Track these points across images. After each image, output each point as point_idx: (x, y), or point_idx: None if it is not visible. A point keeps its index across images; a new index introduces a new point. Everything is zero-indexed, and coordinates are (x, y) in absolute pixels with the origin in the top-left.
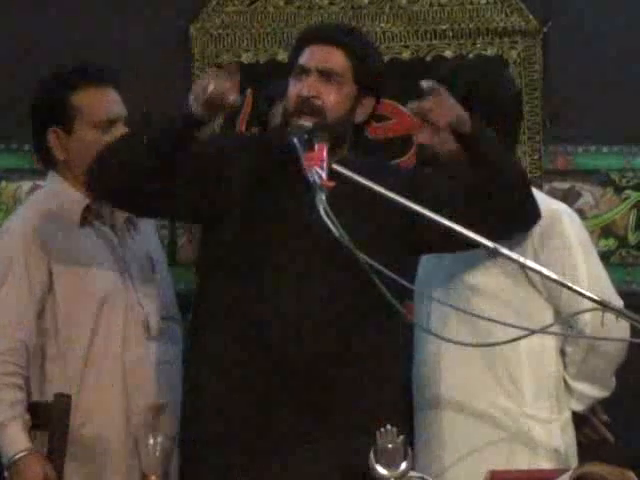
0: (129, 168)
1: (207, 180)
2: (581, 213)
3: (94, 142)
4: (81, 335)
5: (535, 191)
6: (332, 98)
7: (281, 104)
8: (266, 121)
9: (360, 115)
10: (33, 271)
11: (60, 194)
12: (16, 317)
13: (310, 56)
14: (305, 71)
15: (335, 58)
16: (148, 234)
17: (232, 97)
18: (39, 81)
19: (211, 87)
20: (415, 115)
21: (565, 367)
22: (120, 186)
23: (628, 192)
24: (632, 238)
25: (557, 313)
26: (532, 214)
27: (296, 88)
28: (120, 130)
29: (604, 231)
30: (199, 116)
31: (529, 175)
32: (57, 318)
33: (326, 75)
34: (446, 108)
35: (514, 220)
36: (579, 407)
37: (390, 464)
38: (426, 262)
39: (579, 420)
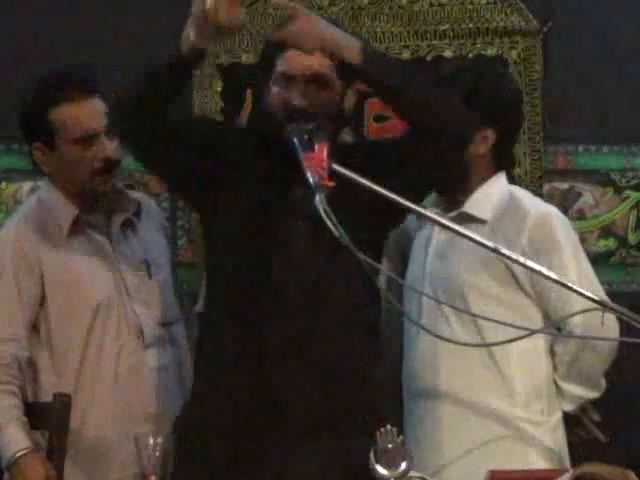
0: (133, 105)
1: (207, 154)
2: (581, 213)
3: (75, 158)
4: (74, 346)
5: (525, 193)
6: (322, 100)
7: None
8: None
9: (348, 104)
10: (23, 284)
11: (51, 204)
12: (8, 332)
13: (292, 62)
14: (289, 78)
15: (318, 60)
16: (150, 236)
17: (231, 14)
18: (23, 96)
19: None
20: (278, 42)
21: (555, 368)
22: (129, 125)
23: (628, 192)
24: (632, 238)
25: (545, 315)
26: (458, 124)
27: (282, 96)
28: (103, 143)
29: (604, 231)
30: (195, 44)
31: (529, 175)
32: (50, 330)
33: (313, 80)
34: (313, 29)
35: (443, 137)
36: (569, 407)
37: (390, 464)
38: (416, 259)
39: (571, 420)
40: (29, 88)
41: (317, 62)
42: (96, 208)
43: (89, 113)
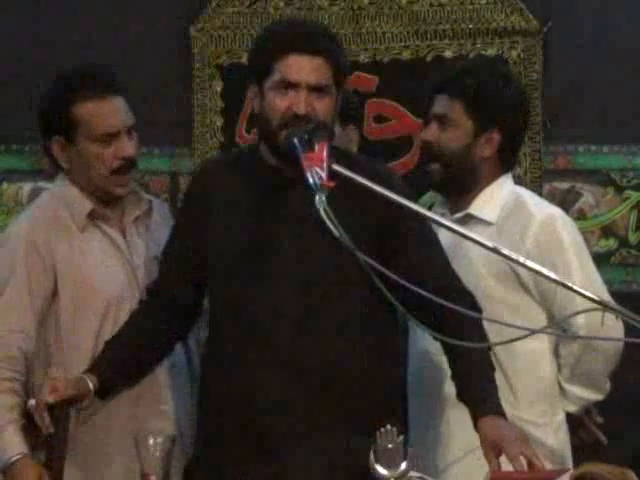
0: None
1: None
2: (581, 213)
3: (95, 155)
4: (85, 340)
5: (531, 195)
6: (324, 109)
7: None
8: None
9: (338, 109)
10: (36, 277)
11: (66, 198)
12: (16, 324)
13: (296, 70)
14: (291, 85)
15: (322, 70)
16: (162, 235)
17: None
18: (46, 87)
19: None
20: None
21: (559, 369)
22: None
23: (629, 192)
24: (632, 238)
25: (550, 316)
26: None
27: (283, 103)
28: (124, 142)
29: (604, 231)
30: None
31: (529, 175)
32: (60, 323)
33: (316, 89)
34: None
35: None
36: (572, 409)
37: (390, 464)
38: None
39: (573, 422)
40: (51, 82)
41: (320, 72)
42: (110, 205)
43: (113, 111)
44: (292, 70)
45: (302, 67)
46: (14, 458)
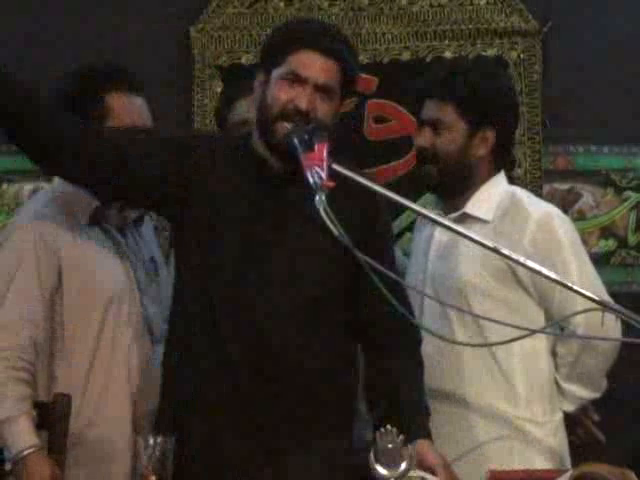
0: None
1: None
2: (581, 214)
3: None
4: (87, 336)
5: (527, 194)
6: (324, 110)
7: (244, 101)
8: (225, 120)
9: (338, 116)
10: (43, 268)
11: (70, 194)
12: (26, 314)
13: (307, 65)
14: (299, 79)
15: (332, 72)
16: (151, 237)
17: None
18: (74, 73)
19: None
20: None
21: (557, 368)
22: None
23: (628, 193)
24: (632, 239)
25: (548, 315)
26: None
27: (287, 94)
28: None
29: (604, 232)
30: None
31: (529, 176)
32: (64, 318)
33: (322, 90)
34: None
35: None
36: (570, 408)
37: (390, 464)
38: (416, 260)
39: (570, 421)
40: (78, 72)
41: (330, 73)
42: (111, 204)
43: (142, 107)
44: (303, 65)
45: (313, 64)
46: (26, 452)
